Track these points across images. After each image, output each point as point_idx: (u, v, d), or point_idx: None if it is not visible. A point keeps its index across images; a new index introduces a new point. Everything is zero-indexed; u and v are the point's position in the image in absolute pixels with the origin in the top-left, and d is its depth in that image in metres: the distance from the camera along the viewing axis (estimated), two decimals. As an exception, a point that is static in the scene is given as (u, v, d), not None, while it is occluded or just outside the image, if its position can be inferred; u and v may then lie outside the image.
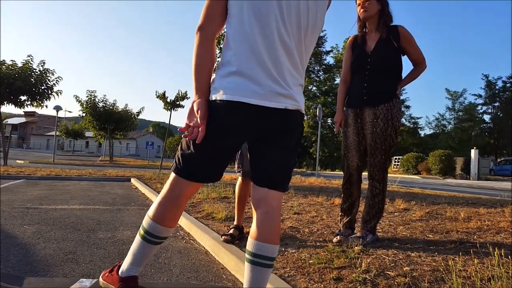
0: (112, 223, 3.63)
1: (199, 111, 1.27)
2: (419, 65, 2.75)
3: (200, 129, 1.27)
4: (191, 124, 1.29)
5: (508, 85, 39.41)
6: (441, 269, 2.01)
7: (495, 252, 1.94)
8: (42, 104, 12.75)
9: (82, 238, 2.96)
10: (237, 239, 2.73)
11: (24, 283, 1.71)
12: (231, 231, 2.78)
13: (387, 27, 2.67)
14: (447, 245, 2.56)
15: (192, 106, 1.30)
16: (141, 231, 1.47)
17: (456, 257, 2.23)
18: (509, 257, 2.04)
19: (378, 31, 2.69)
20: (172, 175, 1.41)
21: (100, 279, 1.66)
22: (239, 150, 1.44)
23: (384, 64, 2.66)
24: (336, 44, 41.60)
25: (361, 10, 2.68)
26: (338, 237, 2.67)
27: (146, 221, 1.46)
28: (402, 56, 2.72)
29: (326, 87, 39.35)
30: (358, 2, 2.70)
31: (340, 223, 2.86)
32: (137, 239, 1.48)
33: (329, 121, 38.08)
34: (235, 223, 2.89)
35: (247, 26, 1.27)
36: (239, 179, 2.88)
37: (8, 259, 2.33)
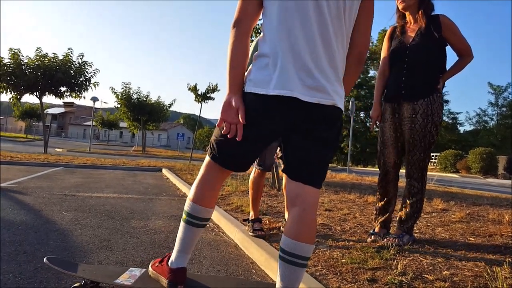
0: (145, 212, 3.70)
1: (239, 110, 1.26)
2: (464, 56, 2.57)
3: (238, 127, 1.27)
4: (229, 120, 1.27)
5: (557, 80, 36.97)
6: (485, 275, 1.88)
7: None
8: (80, 95, 13.29)
9: (116, 226, 3.03)
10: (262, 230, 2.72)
11: (78, 269, 1.75)
12: (256, 226, 2.75)
13: (428, 17, 2.53)
14: (490, 250, 2.41)
15: (228, 101, 1.27)
16: (183, 215, 1.51)
17: (502, 262, 2.09)
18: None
19: (418, 22, 2.55)
20: (207, 158, 1.46)
21: (150, 268, 1.67)
22: (273, 142, 1.41)
23: (424, 56, 2.52)
24: (371, 35, 40.34)
25: (399, 1, 2.58)
26: (373, 236, 2.58)
27: (187, 204, 1.50)
28: (446, 47, 2.56)
29: (359, 80, 38.37)
30: None
31: (375, 222, 2.76)
32: (181, 225, 1.52)
33: (361, 115, 37.18)
34: (253, 217, 2.84)
35: (285, 18, 1.23)
36: (255, 171, 2.86)
37: (47, 243, 2.43)
